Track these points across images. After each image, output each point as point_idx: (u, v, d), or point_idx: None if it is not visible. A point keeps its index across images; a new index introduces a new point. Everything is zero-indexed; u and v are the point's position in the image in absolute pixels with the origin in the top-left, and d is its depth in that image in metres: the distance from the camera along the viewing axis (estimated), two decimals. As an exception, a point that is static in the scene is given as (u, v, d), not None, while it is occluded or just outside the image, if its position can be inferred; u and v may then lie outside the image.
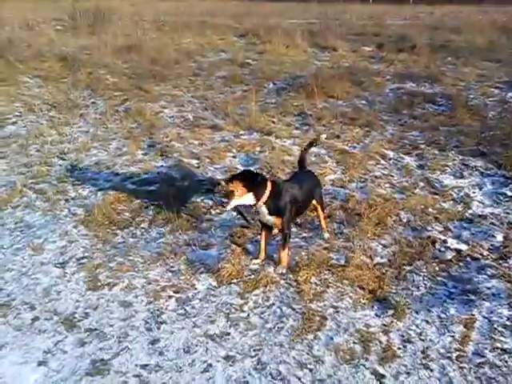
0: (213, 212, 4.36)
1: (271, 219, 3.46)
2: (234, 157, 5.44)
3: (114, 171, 5.18)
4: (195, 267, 3.61)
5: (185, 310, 3.22)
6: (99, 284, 3.48)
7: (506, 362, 2.78)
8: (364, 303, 3.25)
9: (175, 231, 4.06)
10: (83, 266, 3.67)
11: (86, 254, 3.82)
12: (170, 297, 3.34)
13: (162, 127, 6.28)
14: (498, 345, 2.90)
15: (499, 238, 3.92)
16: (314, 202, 3.83)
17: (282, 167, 5.07)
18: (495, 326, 3.03)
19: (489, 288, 3.36)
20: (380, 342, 2.93)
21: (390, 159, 5.31)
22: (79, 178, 5.07)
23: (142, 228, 4.17)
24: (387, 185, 4.76)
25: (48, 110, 7.14)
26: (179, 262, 3.68)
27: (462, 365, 2.77)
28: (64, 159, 5.52)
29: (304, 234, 3.99)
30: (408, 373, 2.72)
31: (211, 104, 7.15)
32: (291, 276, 3.47)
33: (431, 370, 2.74)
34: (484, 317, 3.11)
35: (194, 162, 5.34)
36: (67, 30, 13.37)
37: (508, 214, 4.25)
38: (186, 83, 8.22)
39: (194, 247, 3.84)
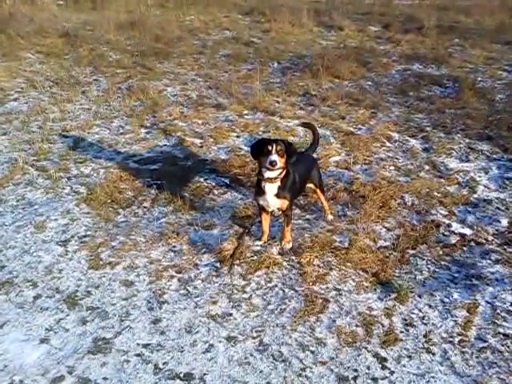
0: (216, 192, 4.32)
1: (277, 202, 3.39)
2: (237, 136, 5.38)
3: (116, 149, 5.14)
4: (197, 247, 3.59)
5: (187, 290, 3.21)
6: (101, 263, 3.47)
7: (508, 347, 2.77)
8: (367, 286, 3.23)
9: (178, 211, 4.04)
10: (85, 245, 3.66)
11: (88, 233, 3.80)
12: (172, 277, 3.33)
13: (165, 106, 6.21)
14: (501, 330, 2.88)
15: (504, 223, 3.88)
16: (311, 185, 3.80)
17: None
18: (498, 311, 3.02)
19: (492, 273, 3.34)
20: (382, 325, 2.93)
21: (395, 141, 5.25)
22: (81, 155, 5.02)
23: (145, 207, 4.14)
24: (392, 167, 4.70)
25: (50, 86, 7.06)
26: (181, 242, 3.66)
27: (464, 349, 2.76)
28: (66, 136, 5.46)
29: (308, 216, 3.96)
30: (410, 356, 2.72)
31: (215, 83, 7.06)
32: (294, 258, 3.46)
33: (433, 354, 2.73)
34: (487, 302, 3.09)
35: (198, 141, 5.29)
36: (69, 4, 13.15)
37: (514, 198, 4.21)
38: (190, 61, 8.11)
39: (196, 227, 3.81)
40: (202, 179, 4.52)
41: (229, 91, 6.62)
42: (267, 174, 3.27)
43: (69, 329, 2.91)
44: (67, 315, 3.01)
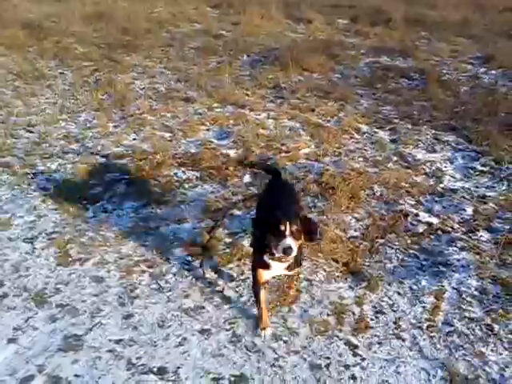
0: (186, 186, 4.29)
1: (287, 274, 2.86)
2: (207, 130, 5.34)
3: (83, 144, 5.03)
4: (169, 242, 3.57)
5: (159, 284, 3.19)
6: (70, 259, 3.41)
7: (474, 330, 2.87)
8: (338, 276, 3.28)
9: (148, 205, 3.99)
10: (53, 242, 3.58)
11: (56, 229, 3.72)
12: (144, 271, 3.30)
13: (134, 99, 6.10)
14: (467, 314, 2.98)
15: (469, 211, 4.00)
16: None
17: (256, 141, 5.01)
18: (464, 296, 3.12)
19: (458, 260, 3.44)
20: (353, 313, 2.98)
21: (363, 133, 5.32)
22: (47, 151, 4.90)
23: (114, 202, 4.08)
24: (361, 159, 4.77)
25: (13, 79, 6.84)
26: (152, 236, 3.63)
27: (432, 334, 2.84)
28: (31, 131, 5.31)
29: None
30: (380, 343, 2.78)
31: (184, 76, 6.98)
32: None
33: (403, 340, 2.81)
34: (453, 288, 3.19)
35: (167, 135, 5.23)
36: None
37: (478, 187, 4.34)
38: (158, 54, 7.99)
39: (167, 221, 3.79)
40: (172, 173, 4.47)
41: (198, 84, 6.56)
42: (277, 256, 2.54)
43: (38, 327, 2.85)
44: (36, 313, 2.95)
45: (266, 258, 2.60)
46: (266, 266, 2.63)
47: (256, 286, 2.77)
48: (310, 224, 2.58)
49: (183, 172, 4.50)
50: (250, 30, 9.26)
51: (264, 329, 2.81)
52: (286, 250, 2.41)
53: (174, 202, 4.05)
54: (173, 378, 2.56)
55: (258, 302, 2.80)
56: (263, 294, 2.79)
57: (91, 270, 3.32)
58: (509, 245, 3.56)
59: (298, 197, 3.40)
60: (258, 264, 2.70)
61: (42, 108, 5.92)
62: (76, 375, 2.57)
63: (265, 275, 2.71)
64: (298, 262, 2.73)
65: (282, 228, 2.43)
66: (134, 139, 5.13)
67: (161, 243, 3.55)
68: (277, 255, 2.50)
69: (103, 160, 4.71)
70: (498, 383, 2.55)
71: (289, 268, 2.68)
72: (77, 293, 3.12)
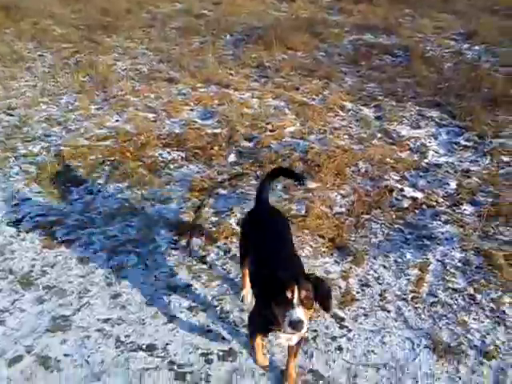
0: (171, 166, 4.27)
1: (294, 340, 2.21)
2: (191, 110, 5.30)
3: (66, 127, 4.95)
4: (155, 222, 3.56)
5: (146, 264, 3.19)
6: (56, 242, 3.38)
7: (457, 300, 2.93)
8: (324, 251, 3.31)
9: (133, 186, 3.97)
10: (38, 224, 3.55)
11: (41, 212, 3.69)
12: (130, 252, 3.29)
13: (116, 81, 6.00)
14: (450, 285, 3.04)
15: (453, 185, 4.04)
16: None
17: (240, 120, 4.98)
18: (448, 268, 3.18)
19: (442, 233, 3.49)
20: (339, 287, 3.02)
21: (348, 111, 5.32)
22: (29, 134, 4.82)
23: (99, 184, 4.04)
24: (346, 136, 4.78)
25: (-9, 63, 6.69)
26: (138, 217, 3.62)
27: (416, 305, 2.90)
28: (11, 115, 5.21)
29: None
30: (366, 315, 2.83)
31: (166, 56, 6.87)
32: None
33: (388, 311, 2.86)
34: (438, 260, 3.24)
35: (151, 115, 5.18)
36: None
37: (461, 162, 4.38)
38: (139, 35, 7.85)
39: (152, 202, 3.77)
40: (156, 154, 4.44)
41: (181, 64, 6.48)
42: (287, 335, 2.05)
43: (25, 309, 2.85)
44: (22, 296, 2.94)
45: (269, 330, 2.14)
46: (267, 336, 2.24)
47: (252, 341, 2.38)
48: (322, 287, 2.00)
49: (168, 153, 4.47)
50: (232, 9, 9.14)
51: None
52: (295, 325, 1.83)
53: (160, 183, 4.02)
54: (162, 354, 2.58)
55: (254, 350, 2.43)
56: (261, 343, 2.40)
57: (77, 251, 3.30)
58: (491, 217, 3.62)
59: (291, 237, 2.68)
60: (258, 333, 2.29)
61: (22, 91, 5.81)
62: (65, 354, 2.57)
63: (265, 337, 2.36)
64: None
65: (289, 295, 1.86)
66: (117, 121, 5.07)
67: (147, 224, 3.54)
68: (283, 332, 1.98)
69: (86, 142, 4.65)
70: (480, 350, 2.62)
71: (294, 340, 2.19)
72: (63, 274, 3.11)
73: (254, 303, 2.39)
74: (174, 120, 5.08)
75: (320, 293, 1.96)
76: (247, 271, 2.66)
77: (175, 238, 3.41)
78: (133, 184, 3.99)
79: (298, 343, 2.28)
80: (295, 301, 1.84)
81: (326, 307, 2.04)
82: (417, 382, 2.46)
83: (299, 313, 1.83)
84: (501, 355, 2.59)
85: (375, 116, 5.22)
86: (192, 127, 4.90)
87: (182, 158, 4.39)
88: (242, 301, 2.87)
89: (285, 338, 2.13)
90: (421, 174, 4.21)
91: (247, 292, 2.82)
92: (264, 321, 2.08)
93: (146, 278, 3.08)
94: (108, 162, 4.30)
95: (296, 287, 1.86)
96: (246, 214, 2.86)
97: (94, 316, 2.81)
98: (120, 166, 4.20)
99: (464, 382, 2.46)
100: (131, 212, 3.66)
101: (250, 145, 4.60)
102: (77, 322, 2.77)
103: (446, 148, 4.62)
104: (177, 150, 4.50)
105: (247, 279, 2.70)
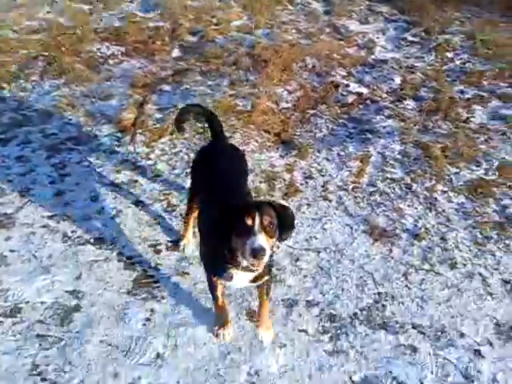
0: (111, 62, 4.04)
1: (253, 284, 2.09)
2: (131, 1, 4.91)
3: (-10, 18, 4.52)
4: (96, 119, 3.44)
5: (89, 161, 3.13)
6: (-9, 141, 3.23)
7: (394, 189, 3.09)
8: (269, 146, 3.35)
9: (71, 83, 3.76)
10: (-31, 124, 3.35)
11: (-30, 111, 3.47)
12: (72, 149, 3.20)
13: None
14: (389, 175, 3.19)
15: (397, 81, 4.08)
16: None
17: (184, 13, 4.70)
18: (387, 159, 3.31)
19: (384, 127, 3.58)
20: (284, 179, 3.11)
21: (297, 4, 5.10)
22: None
23: (33, 81, 3.80)
24: (294, 31, 4.63)
25: None
26: (78, 114, 3.48)
27: (356, 194, 3.04)
28: None
29: (209, 82, 3.87)
30: (309, 204, 2.95)
31: None
32: (199, 124, 3.42)
33: (330, 201, 2.99)
34: (378, 152, 3.36)
35: (86, 7, 4.78)
36: None
37: (407, 58, 4.39)
38: None
39: (92, 99, 3.61)
40: (94, 49, 4.17)
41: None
42: (245, 264, 1.82)
43: (-37, 209, 2.78)
44: (-41, 196, 2.85)
45: (225, 269, 1.92)
46: (226, 279, 1.99)
47: (213, 289, 2.18)
48: (286, 215, 1.86)
49: (107, 47, 4.21)
50: None
51: (224, 328, 2.25)
52: (257, 253, 1.68)
53: (99, 79, 3.83)
54: (110, 247, 2.63)
55: (215, 300, 2.22)
56: (221, 290, 2.19)
57: (15, 150, 3.18)
58: (431, 112, 3.73)
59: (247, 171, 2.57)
60: (213, 268, 2.05)
61: None
62: (11, 250, 2.57)
63: (223, 282, 2.08)
64: (267, 269, 1.99)
65: (250, 222, 1.71)
66: (49, 12, 4.65)
67: (87, 121, 3.42)
68: (243, 263, 1.82)
69: (15, 35, 4.28)
70: (411, 232, 2.82)
71: (256, 279, 2.00)
72: (2, 173, 3.00)
73: (200, 248, 2.23)
74: (112, 12, 4.72)
75: (283, 221, 1.81)
76: (192, 218, 2.50)
77: (118, 135, 3.32)
78: (70, 80, 3.78)
79: (268, 287, 2.15)
80: (256, 227, 1.69)
81: (286, 236, 1.88)
82: (353, 262, 2.65)
83: (261, 240, 1.68)
84: (429, 236, 2.80)
85: (324, 10, 5.05)
86: (132, 20, 4.59)
87: (122, 53, 4.16)
88: (184, 251, 2.62)
89: (243, 279, 1.97)
90: (367, 69, 4.20)
91: (189, 241, 2.62)
92: (220, 259, 1.90)
93: (90, 175, 3.03)
94: (42, 58, 4.01)
95: (257, 213, 1.71)
96: (198, 150, 2.63)
97: (38, 213, 2.78)
98: (55, 62, 3.93)
99: (396, 260, 2.67)
100: (70, 109, 3.50)
101: (195, 39, 4.39)
102: (20, 219, 2.74)
103: (393, 44, 4.59)
104: (116, 45, 4.24)
105: (190, 228, 2.57)
